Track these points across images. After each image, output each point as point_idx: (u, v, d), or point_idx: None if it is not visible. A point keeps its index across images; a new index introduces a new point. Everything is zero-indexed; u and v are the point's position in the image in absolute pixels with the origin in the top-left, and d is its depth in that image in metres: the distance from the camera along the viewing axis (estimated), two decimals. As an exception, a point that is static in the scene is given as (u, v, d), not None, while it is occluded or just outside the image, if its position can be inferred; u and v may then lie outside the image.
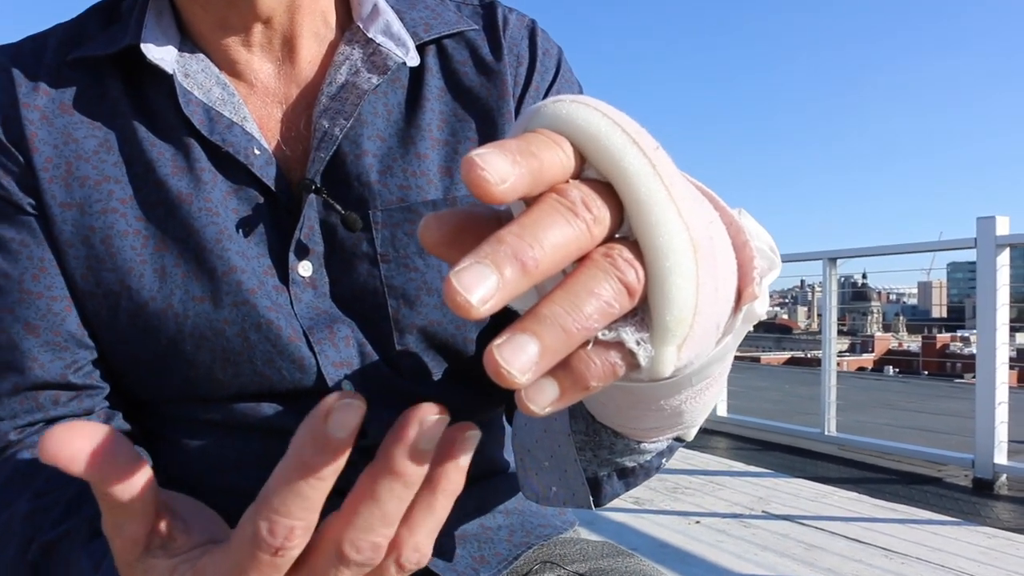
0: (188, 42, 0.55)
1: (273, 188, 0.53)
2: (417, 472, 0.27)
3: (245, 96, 0.56)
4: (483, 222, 0.26)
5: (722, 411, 5.08)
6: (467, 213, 0.26)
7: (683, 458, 3.99)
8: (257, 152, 0.53)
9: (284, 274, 0.53)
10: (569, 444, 0.47)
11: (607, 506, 0.52)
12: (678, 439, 0.45)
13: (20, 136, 0.52)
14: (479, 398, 0.58)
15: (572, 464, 0.47)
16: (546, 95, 0.60)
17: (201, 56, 0.55)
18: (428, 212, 0.54)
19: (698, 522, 2.89)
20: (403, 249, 0.54)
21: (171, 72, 0.53)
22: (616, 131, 0.25)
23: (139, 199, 0.52)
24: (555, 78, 0.61)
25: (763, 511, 3.05)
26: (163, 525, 0.31)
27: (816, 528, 2.82)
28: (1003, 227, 3.49)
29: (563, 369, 0.24)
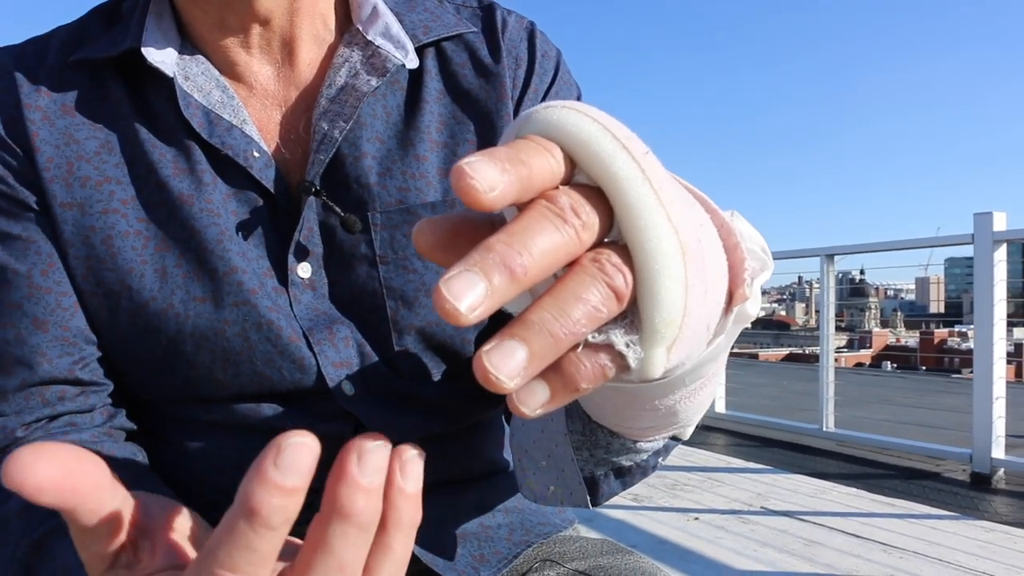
0: (188, 44, 0.56)
1: (272, 190, 0.53)
2: (368, 510, 0.25)
3: (245, 98, 0.56)
4: (477, 226, 0.26)
5: (720, 408, 5.08)
6: (461, 218, 0.26)
7: (682, 455, 4.00)
8: (256, 154, 0.53)
9: (283, 275, 0.53)
10: (566, 444, 0.47)
11: (606, 504, 0.52)
12: (674, 438, 0.45)
13: (22, 136, 0.53)
14: (478, 398, 0.58)
15: (569, 464, 0.47)
16: (545, 97, 0.61)
17: (201, 58, 0.55)
18: (427, 214, 0.55)
19: (697, 519, 2.89)
20: (402, 251, 0.54)
21: (171, 75, 0.53)
22: (606, 136, 0.25)
23: (140, 200, 0.53)
24: (554, 80, 0.61)
25: (762, 507, 3.05)
26: (130, 545, 0.30)
27: (815, 524, 2.82)
28: (1000, 223, 3.49)
29: (553, 371, 0.24)
